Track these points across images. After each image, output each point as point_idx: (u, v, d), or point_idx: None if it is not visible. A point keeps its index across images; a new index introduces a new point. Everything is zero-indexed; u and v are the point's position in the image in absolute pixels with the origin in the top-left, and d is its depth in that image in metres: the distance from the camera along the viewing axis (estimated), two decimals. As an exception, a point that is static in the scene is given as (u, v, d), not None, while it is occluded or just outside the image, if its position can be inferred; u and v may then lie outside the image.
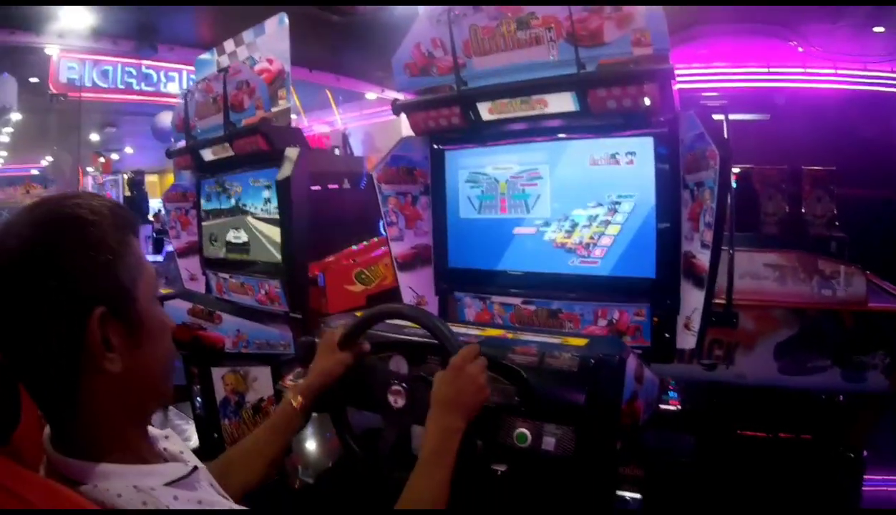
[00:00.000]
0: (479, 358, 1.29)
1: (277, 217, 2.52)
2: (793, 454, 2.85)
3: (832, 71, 7.12)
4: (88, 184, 12.37)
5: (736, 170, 4.42)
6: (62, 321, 0.76)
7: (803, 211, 4.34)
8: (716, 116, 1.52)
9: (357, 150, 7.29)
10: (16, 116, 11.81)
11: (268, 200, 2.62)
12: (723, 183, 1.39)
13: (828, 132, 6.21)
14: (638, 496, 1.44)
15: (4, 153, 12.07)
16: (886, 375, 2.45)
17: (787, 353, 2.59)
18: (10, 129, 12.59)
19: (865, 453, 2.68)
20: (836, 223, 4.42)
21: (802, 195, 4.36)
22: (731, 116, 1.68)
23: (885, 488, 2.80)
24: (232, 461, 1.34)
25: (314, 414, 1.53)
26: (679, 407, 2.12)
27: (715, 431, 2.68)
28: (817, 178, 4.44)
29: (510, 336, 1.57)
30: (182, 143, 3.09)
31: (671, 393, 2.12)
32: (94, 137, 14.00)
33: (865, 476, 2.68)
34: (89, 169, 13.38)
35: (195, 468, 0.91)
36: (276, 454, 1.40)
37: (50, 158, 13.73)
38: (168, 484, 0.83)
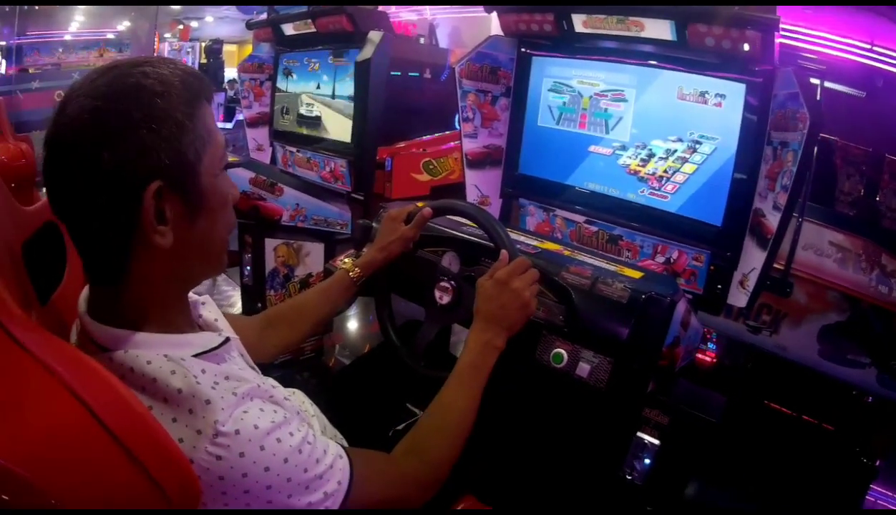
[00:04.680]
0: (529, 272, 1.27)
1: (353, 97, 2.51)
2: (811, 439, 2.84)
3: (941, 67, 6.65)
4: (165, 50, 12.40)
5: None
6: (116, 193, 0.74)
7: (878, 199, 4.16)
8: (812, 80, 1.46)
9: (443, 43, 7.14)
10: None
11: (345, 80, 2.60)
12: (808, 149, 1.34)
13: (923, 129, 5.84)
14: (657, 442, 1.42)
15: (82, 18, 12.04)
16: (920, 392, 2.39)
17: (830, 338, 2.54)
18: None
19: (879, 462, 2.65)
20: (911, 222, 4.24)
21: (881, 183, 4.17)
22: (827, 84, 1.60)
23: (886, 504, 2.76)
24: (279, 316, 1.38)
25: (359, 298, 1.56)
26: (715, 360, 2.12)
27: (744, 396, 2.67)
28: (901, 171, 4.24)
29: (567, 253, 1.54)
30: (264, 16, 3.09)
31: (710, 345, 2.11)
32: (176, 6, 13.99)
33: (872, 486, 2.66)
34: (167, 35, 13.40)
35: (227, 339, 0.91)
36: (321, 318, 1.43)
37: (127, 23, 13.68)
38: (197, 356, 0.83)
